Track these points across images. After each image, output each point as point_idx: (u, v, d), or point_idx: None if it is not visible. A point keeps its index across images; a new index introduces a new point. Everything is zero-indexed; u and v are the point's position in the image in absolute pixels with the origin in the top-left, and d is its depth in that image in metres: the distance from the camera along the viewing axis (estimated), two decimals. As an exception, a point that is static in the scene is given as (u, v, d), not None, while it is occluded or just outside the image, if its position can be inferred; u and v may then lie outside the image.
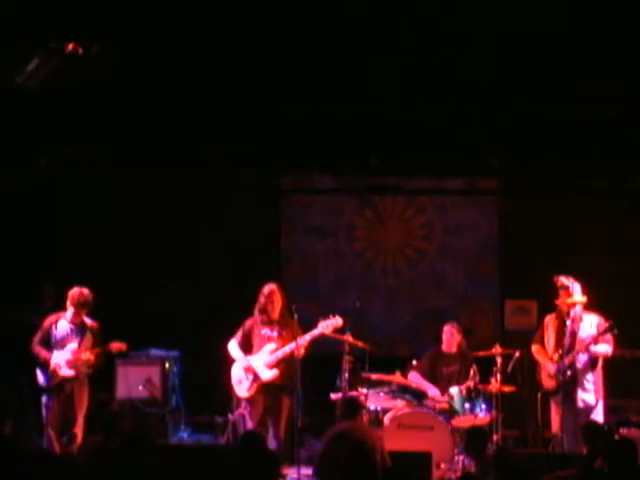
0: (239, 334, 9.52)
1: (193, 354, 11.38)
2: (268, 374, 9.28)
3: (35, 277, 11.54)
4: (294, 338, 9.30)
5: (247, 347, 9.46)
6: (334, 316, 9.34)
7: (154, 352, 11.34)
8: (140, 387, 10.86)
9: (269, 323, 9.42)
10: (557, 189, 11.90)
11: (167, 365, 11.10)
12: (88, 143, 11.25)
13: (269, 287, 9.49)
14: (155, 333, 11.28)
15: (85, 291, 9.39)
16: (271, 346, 9.34)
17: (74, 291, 9.38)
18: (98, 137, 11.09)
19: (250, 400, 9.32)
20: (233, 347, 9.50)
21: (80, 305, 9.33)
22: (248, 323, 9.52)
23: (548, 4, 8.16)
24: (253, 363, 9.32)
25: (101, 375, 9.89)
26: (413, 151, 11.46)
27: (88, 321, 9.45)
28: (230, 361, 9.49)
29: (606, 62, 9.07)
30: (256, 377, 9.31)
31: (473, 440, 7.17)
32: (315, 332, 9.27)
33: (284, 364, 9.33)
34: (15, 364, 10.47)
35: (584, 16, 8.23)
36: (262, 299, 9.46)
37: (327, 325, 9.31)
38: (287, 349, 9.27)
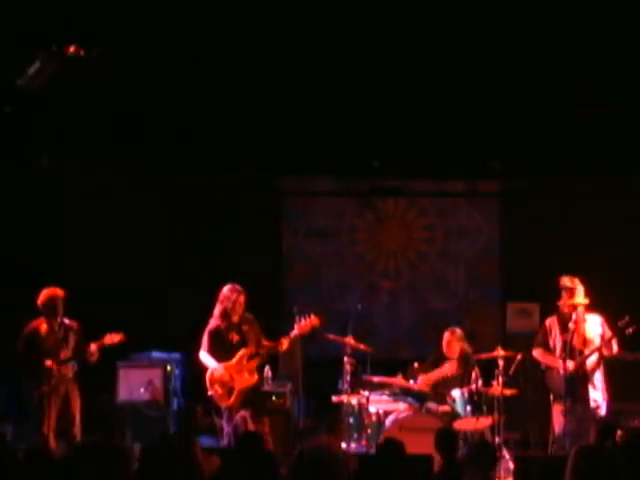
0: (206, 342, 9.22)
1: (194, 357, 11.36)
2: (246, 381, 9.17)
3: (35, 278, 11.52)
4: (258, 338, 9.21)
5: (218, 354, 9.20)
6: (309, 315, 9.25)
7: (155, 355, 11.33)
8: (142, 390, 10.84)
9: (233, 327, 9.18)
10: (559, 191, 11.90)
11: (168, 368, 11.09)
12: (89, 144, 11.26)
13: (234, 288, 9.20)
14: (156, 336, 11.27)
15: (54, 290, 9.33)
16: (245, 351, 9.15)
17: (43, 291, 9.33)
18: (99, 138, 11.10)
19: (232, 408, 9.15)
20: (206, 357, 9.23)
21: (49, 304, 9.27)
22: (214, 330, 9.23)
23: (548, 4, 8.16)
24: (230, 371, 9.16)
25: (102, 378, 9.88)
26: (415, 153, 11.46)
27: (66, 321, 9.40)
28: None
29: (607, 62, 9.08)
30: (233, 386, 9.12)
31: (442, 439, 7.16)
32: (292, 334, 9.21)
33: (257, 368, 9.26)
34: (14, 365, 10.45)
35: (584, 16, 8.24)
36: (226, 301, 9.17)
37: (303, 325, 9.23)
38: (265, 353, 9.20)
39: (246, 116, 10.53)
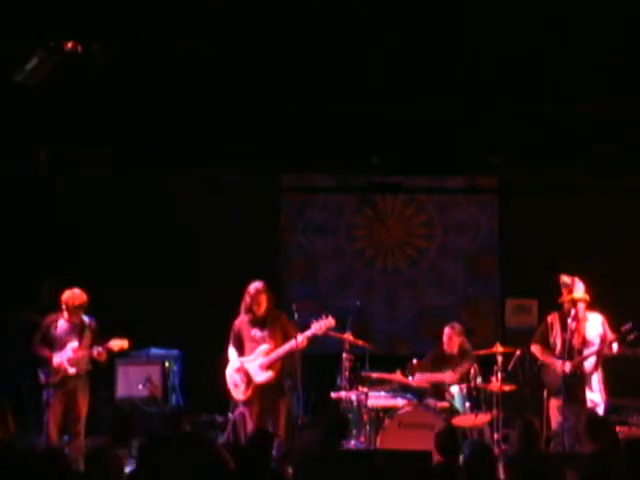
0: (231, 337, 9.39)
1: (193, 353, 11.37)
2: (263, 376, 9.17)
3: (34, 275, 11.53)
4: (285, 336, 9.23)
5: (239, 349, 9.33)
6: (327, 316, 9.28)
7: (154, 351, 11.34)
8: (140, 386, 10.85)
9: (257, 323, 9.26)
10: (557, 187, 11.89)
11: (167, 364, 11.10)
12: (89, 142, 11.26)
13: (254, 286, 9.29)
14: (155, 332, 11.27)
15: (77, 292, 9.33)
16: (264, 347, 9.20)
17: (67, 294, 9.32)
18: (98, 136, 11.10)
19: (247, 402, 9.22)
20: (230, 351, 9.38)
21: (74, 308, 9.29)
22: (237, 324, 9.37)
23: (548, 4, 8.16)
24: (247, 365, 9.21)
25: (101, 374, 9.87)
26: (414, 149, 11.45)
27: (86, 319, 9.41)
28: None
29: (606, 60, 9.07)
30: (251, 379, 9.19)
31: (444, 439, 7.20)
32: (308, 333, 9.22)
33: (279, 364, 9.27)
34: (14, 363, 10.45)
35: (583, 14, 8.24)
36: (247, 298, 9.29)
37: (320, 326, 9.26)
38: (281, 350, 9.20)
39: (245, 114, 10.53)
